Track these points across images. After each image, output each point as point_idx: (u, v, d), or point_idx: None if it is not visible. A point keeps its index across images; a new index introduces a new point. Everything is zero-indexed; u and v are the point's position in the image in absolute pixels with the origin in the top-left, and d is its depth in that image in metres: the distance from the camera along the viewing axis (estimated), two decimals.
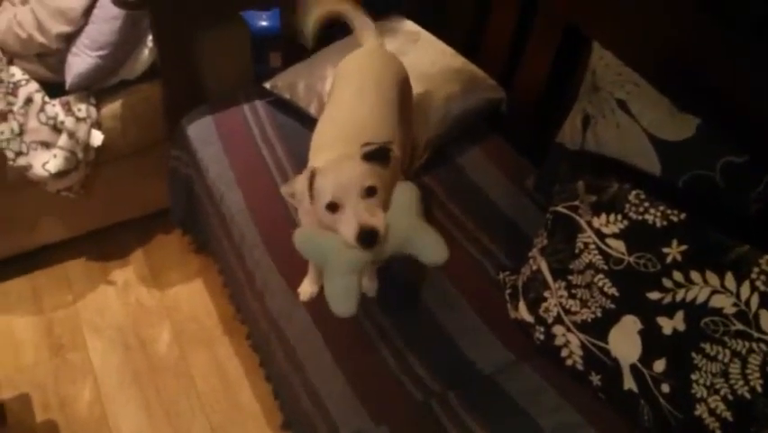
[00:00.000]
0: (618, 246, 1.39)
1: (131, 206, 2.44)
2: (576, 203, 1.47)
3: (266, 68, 2.44)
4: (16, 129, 1.99)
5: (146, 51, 2.12)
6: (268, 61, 2.53)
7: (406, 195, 1.33)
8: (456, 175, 1.95)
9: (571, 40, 1.86)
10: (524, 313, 1.55)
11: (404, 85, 1.72)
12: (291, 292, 1.65)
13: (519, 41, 2.06)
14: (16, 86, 2.04)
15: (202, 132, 2.04)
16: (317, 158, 1.47)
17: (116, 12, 1.96)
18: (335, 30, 2.20)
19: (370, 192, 1.28)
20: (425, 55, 2.04)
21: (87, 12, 2.02)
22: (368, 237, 1.25)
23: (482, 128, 2.08)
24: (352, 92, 1.61)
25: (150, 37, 2.08)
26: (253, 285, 1.75)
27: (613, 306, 1.39)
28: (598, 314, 1.41)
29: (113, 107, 2.16)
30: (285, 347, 1.62)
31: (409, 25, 2.22)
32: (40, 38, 2.01)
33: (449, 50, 2.13)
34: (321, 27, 1.80)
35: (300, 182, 1.33)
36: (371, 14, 1.79)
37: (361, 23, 1.78)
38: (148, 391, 2.10)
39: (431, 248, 1.32)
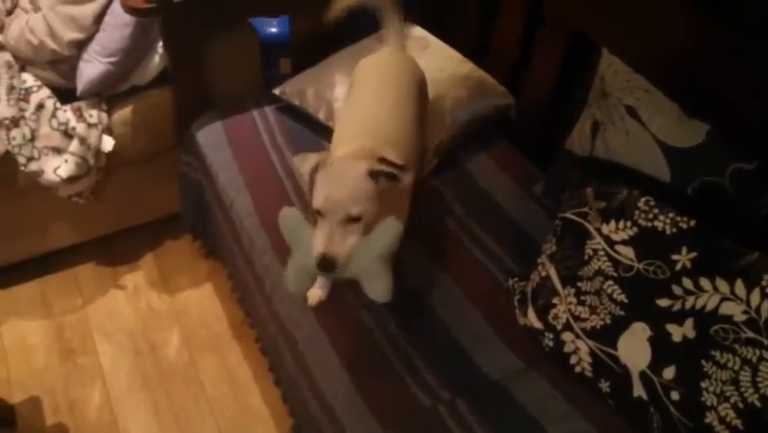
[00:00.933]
0: (628, 253, 1.38)
1: (141, 211, 2.45)
2: (585, 209, 1.46)
3: (275, 74, 2.45)
4: (28, 135, 2.01)
5: (156, 58, 2.13)
6: (277, 67, 2.54)
7: (383, 235, 1.33)
8: (465, 180, 1.96)
9: (578, 45, 1.86)
10: (533, 319, 1.55)
11: (421, 86, 1.74)
12: (300, 297, 1.65)
13: (526, 46, 2.06)
14: (28, 92, 2.06)
15: (212, 137, 2.05)
16: (337, 151, 1.49)
17: (127, 19, 1.97)
18: (342, 37, 2.22)
19: (352, 220, 1.29)
20: (433, 61, 2.04)
21: (99, 19, 2.03)
22: (326, 264, 1.28)
23: (491, 133, 2.08)
24: (373, 91, 1.63)
25: (161, 44, 2.10)
26: (262, 290, 1.75)
27: (622, 313, 1.39)
28: (608, 321, 1.41)
29: (123, 113, 2.17)
30: (293, 352, 1.63)
31: (418, 31, 2.23)
32: (51, 44, 2.03)
33: (457, 55, 2.13)
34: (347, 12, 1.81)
35: (306, 167, 1.34)
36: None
37: (392, 22, 1.81)
38: (157, 395, 2.11)
39: (374, 291, 1.36)
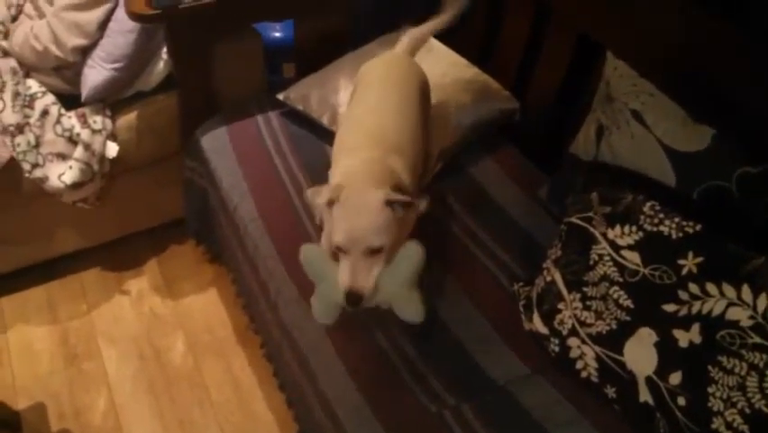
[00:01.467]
0: (633, 258, 1.38)
1: (145, 216, 2.46)
2: (590, 214, 1.46)
3: (279, 79, 2.45)
4: (33, 141, 2.01)
5: (161, 64, 2.13)
6: (281, 72, 2.54)
7: (406, 262, 1.36)
8: (469, 185, 1.95)
9: (584, 48, 1.86)
10: (538, 325, 1.54)
11: (424, 90, 1.74)
12: (304, 302, 1.64)
13: (532, 50, 2.06)
14: (33, 98, 2.06)
15: (216, 143, 2.06)
16: (341, 159, 1.50)
17: (131, 25, 1.97)
18: (345, 41, 2.22)
19: (374, 252, 1.31)
20: (436, 66, 2.04)
21: (103, 25, 2.03)
22: (353, 300, 1.31)
23: (495, 138, 2.08)
24: (377, 95, 1.63)
25: (165, 49, 2.10)
26: (267, 295, 1.75)
27: (628, 318, 1.38)
28: (614, 326, 1.40)
29: (128, 119, 2.18)
30: (298, 357, 1.62)
31: None
32: (56, 51, 2.03)
33: (461, 60, 2.13)
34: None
35: (321, 200, 1.35)
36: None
37: (418, 30, 1.84)
38: (162, 400, 2.11)
39: (405, 314, 1.42)
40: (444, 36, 2.22)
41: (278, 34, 2.54)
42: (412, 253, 1.35)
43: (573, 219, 1.50)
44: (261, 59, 2.23)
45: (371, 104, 1.62)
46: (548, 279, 1.54)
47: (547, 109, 2.01)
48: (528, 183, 1.94)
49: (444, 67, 2.07)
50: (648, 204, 1.38)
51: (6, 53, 2.11)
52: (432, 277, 1.71)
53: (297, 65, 2.37)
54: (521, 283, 1.67)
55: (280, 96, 2.11)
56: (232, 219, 1.91)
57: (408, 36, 1.83)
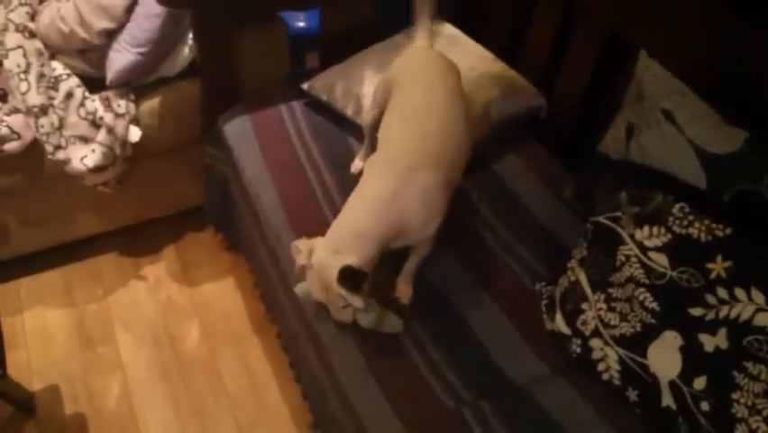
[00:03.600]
0: (661, 260, 1.36)
1: (165, 202, 2.45)
2: (618, 214, 1.44)
3: (303, 68, 2.44)
4: (56, 123, 2.01)
5: (186, 49, 2.13)
6: (304, 62, 2.53)
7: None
8: (493, 182, 1.93)
9: (613, 47, 1.83)
10: (560, 325, 1.53)
11: (460, 80, 1.74)
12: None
13: (560, 46, 2.03)
14: (57, 80, 2.06)
15: (239, 131, 2.05)
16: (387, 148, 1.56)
17: (158, 9, 1.97)
18: (371, 32, 2.21)
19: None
20: (464, 59, 2.02)
21: (130, 9, 2.03)
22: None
23: (520, 134, 2.06)
24: (423, 90, 1.63)
25: (191, 35, 2.09)
26: (287, 285, 1.74)
27: (653, 321, 1.36)
28: (638, 328, 1.38)
29: (151, 104, 2.17)
30: (317, 349, 1.62)
31: (449, 29, 2.21)
32: (82, 33, 2.03)
33: (488, 54, 2.11)
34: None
35: (299, 261, 1.46)
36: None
37: (424, 21, 1.80)
38: (176, 387, 2.11)
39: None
40: (472, 30, 2.20)
41: (301, 24, 2.52)
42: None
43: (600, 219, 1.48)
44: (287, 48, 2.22)
45: (430, 123, 1.59)
46: (572, 278, 1.52)
47: (574, 107, 1.99)
48: (552, 181, 1.92)
49: (473, 60, 2.05)
50: (677, 205, 1.36)
51: (32, 34, 2.11)
52: (452, 274, 1.70)
53: (320, 55, 2.35)
54: (543, 282, 1.65)
55: (305, 86, 2.10)
56: (253, 208, 1.90)
57: (423, 28, 1.80)
